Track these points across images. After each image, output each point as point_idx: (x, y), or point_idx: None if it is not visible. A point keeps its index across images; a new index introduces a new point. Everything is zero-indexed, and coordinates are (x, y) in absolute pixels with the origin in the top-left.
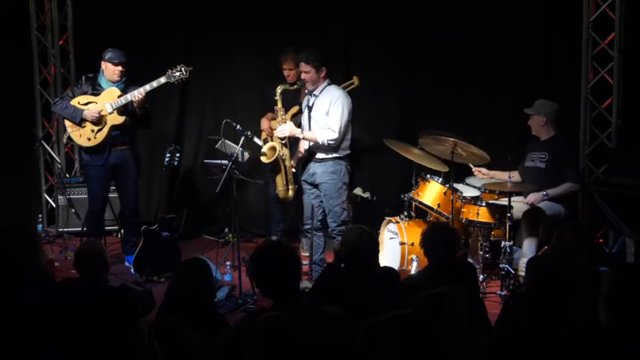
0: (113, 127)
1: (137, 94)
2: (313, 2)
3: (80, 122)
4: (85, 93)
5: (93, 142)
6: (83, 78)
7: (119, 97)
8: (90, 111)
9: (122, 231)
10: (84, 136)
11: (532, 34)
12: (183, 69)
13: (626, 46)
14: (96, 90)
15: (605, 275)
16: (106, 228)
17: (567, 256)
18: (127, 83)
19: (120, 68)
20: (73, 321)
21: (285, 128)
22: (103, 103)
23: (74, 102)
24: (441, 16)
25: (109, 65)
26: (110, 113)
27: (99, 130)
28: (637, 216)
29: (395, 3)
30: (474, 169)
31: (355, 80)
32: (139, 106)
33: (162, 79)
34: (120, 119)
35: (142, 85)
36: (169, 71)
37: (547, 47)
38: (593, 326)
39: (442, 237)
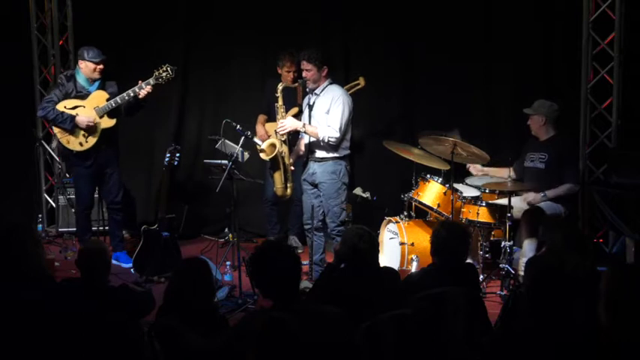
0: (104, 131)
1: (144, 90)
2: (313, 2)
3: (72, 128)
4: (69, 94)
5: (86, 147)
6: (63, 77)
7: (108, 99)
8: (83, 118)
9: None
10: (75, 141)
11: (532, 34)
12: (169, 68)
13: (626, 46)
14: (79, 91)
15: (605, 275)
16: (106, 228)
17: (560, 256)
18: (103, 80)
19: (101, 66)
20: (73, 321)
21: (286, 123)
22: (92, 108)
23: (60, 107)
24: (442, 17)
25: (90, 64)
26: (101, 117)
27: (90, 135)
28: (637, 216)
29: (395, 2)
30: (469, 166)
31: (361, 81)
32: (145, 98)
33: (152, 81)
34: (111, 122)
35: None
36: (156, 72)
37: (547, 47)
38: (593, 326)
39: (457, 238)
